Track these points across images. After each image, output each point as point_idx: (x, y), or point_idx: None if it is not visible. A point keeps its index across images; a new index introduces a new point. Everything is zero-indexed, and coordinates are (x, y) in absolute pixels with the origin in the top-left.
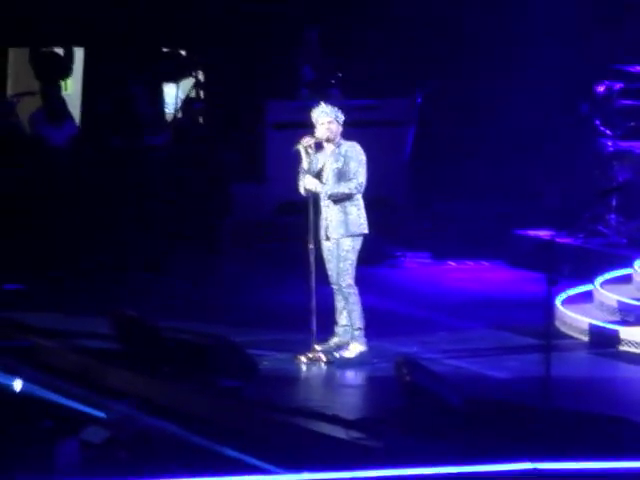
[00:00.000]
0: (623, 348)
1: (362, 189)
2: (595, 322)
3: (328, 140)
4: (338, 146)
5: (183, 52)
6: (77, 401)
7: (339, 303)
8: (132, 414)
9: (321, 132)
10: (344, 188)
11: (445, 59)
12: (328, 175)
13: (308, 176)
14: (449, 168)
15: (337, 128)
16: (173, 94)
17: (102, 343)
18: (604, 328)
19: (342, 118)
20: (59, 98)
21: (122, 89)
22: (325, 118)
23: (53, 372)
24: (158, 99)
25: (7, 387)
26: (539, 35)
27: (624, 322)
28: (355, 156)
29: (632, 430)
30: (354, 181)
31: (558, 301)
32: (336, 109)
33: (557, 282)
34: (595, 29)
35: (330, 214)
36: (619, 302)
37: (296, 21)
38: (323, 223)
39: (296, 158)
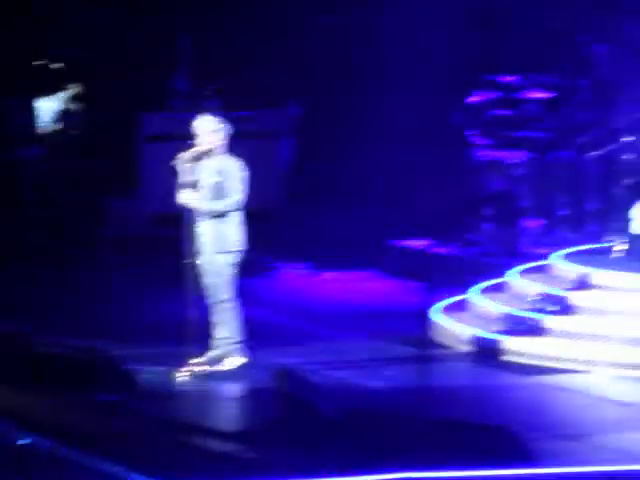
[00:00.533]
0: (501, 358)
1: (239, 206)
2: (472, 331)
3: (208, 153)
4: (219, 160)
5: (58, 65)
6: None
7: (216, 316)
8: (6, 431)
9: (202, 144)
10: (220, 205)
11: (322, 70)
12: (206, 189)
13: (185, 190)
14: (325, 179)
15: (218, 141)
16: (50, 107)
17: None
18: (482, 337)
19: (225, 131)
20: None
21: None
22: (206, 130)
23: None
24: (31, 112)
25: None
26: (413, 45)
27: (502, 331)
28: (234, 172)
29: (508, 439)
30: (231, 198)
31: (434, 310)
32: (219, 122)
33: (432, 291)
34: (467, 39)
35: (206, 229)
36: (494, 311)
37: (170, 33)
38: (199, 238)
39: (172, 171)
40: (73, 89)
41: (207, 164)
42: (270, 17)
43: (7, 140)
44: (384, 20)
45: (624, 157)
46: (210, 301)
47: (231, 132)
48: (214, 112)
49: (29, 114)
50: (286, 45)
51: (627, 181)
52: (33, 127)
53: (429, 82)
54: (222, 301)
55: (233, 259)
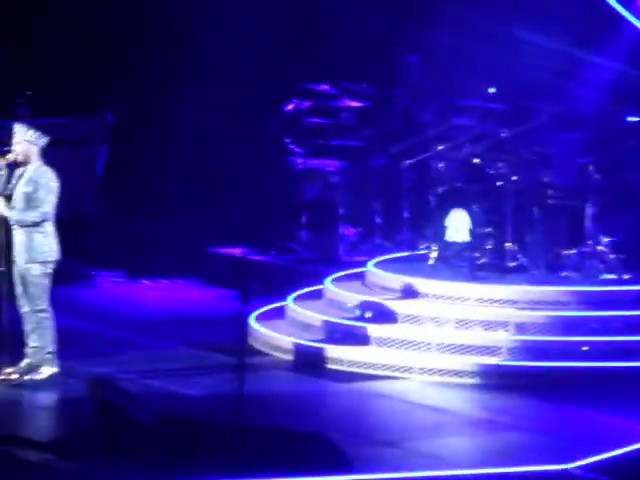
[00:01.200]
0: (320, 365)
1: (48, 218)
2: (293, 339)
3: (20, 162)
4: (32, 170)
5: None
6: None
7: (28, 325)
8: None
9: (14, 152)
10: (28, 216)
11: (138, 76)
12: (18, 198)
13: None
14: (141, 186)
15: (29, 150)
16: None
17: None
18: (302, 345)
19: (38, 140)
20: None
21: None
22: (16, 139)
23: None
24: None
25: None
26: (232, 51)
27: (319, 339)
28: (46, 183)
29: (325, 445)
30: (39, 210)
31: (251, 318)
32: (31, 131)
33: (249, 299)
34: (286, 46)
35: (17, 238)
36: (311, 319)
37: None
38: (14, 246)
39: None
40: None
41: (19, 173)
42: (81, 22)
43: None
44: (200, 22)
45: (437, 165)
46: (23, 310)
47: (45, 141)
48: (26, 119)
49: None
50: (98, 50)
51: (440, 189)
52: None
53: (245, 89)
54: (36, 310)
55: (46, 269)
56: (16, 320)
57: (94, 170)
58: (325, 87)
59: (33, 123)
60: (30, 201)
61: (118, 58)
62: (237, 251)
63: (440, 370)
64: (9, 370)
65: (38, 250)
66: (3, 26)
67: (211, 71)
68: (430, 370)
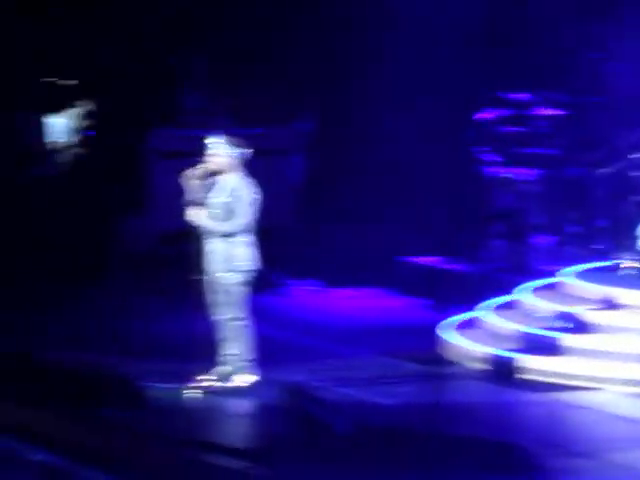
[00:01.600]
0: (514, 375)
1: (246, 229)
2: (486, 349)
3: (218, 172)
4: (230, 180)
5: (71, 82)
6: None
7: (224, 333)
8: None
9: (213, 162)
10: (227, 227)
11: (333, 87)
12: (216, 209)
13: (194, 208)
14: (336, 195)
15: (229, 162)
16: (63, 124)
17: None
18: (495, 355)
19: (236, 152)
20: None
21: (8, 121)
22: (215, 150)
23: None
24: (41, 129)
25: None
26: (426, 62)
27: (514, 349)
28: (245, 195)
29: (520, 455)
30: (237, 220)
31: (445, 327)
32: (230, 142)
33: (442, 308)
34: (478, 55)
35: (215, 248)
36: (506, 329)
37: (184, 50)
38: (209, 256)
39: (182, 187)
40: (84, 106)
41: (218, 183)
42: (280, 35)
43: (18, 157)
44: (392, 36)
45: (633, 174)
46: (218, 318)
47: (244, 151)
48: (225, 129)
49: (39, 131)
50: (296, 62)
51: (636, 198)
52: (43, 144)
53: (439, 99)
54: (232, 319)
55: (243, 278)
56: (211, 328)
57: (290, 179)
58: (521, 95)
59: (232, 134)
60: (229, 212)
61: (314, 70)
62: (430, 260)
63: (636, 381)
64: (205, 377)
65: (236, 259)
66: (205, 36)
67: (405, 80)
68: (626, 380)
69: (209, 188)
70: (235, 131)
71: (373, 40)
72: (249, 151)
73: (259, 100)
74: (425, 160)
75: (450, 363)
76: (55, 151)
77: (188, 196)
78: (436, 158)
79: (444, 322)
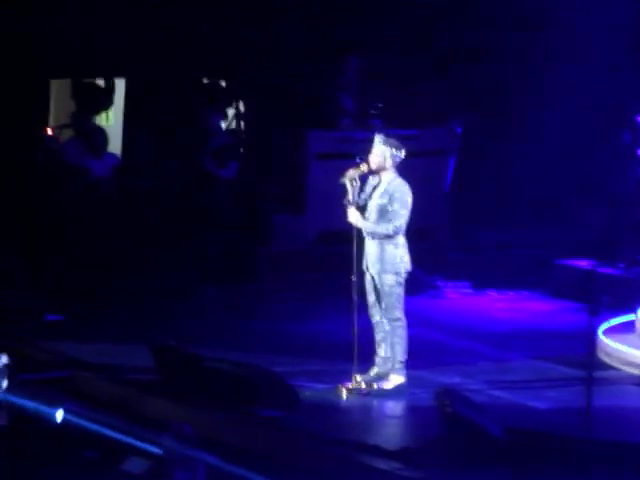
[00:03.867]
0: None
1: (400, 232)
2: (638, 353)
3: (375, 172)
4: (387, 182)
5: (223, 83)
6: (118, 432)
7: (378, 334)
8: (174, 445)
9: (371, 163)
10: (382, 229)
11: (485, 88)
12: (371, 210)
13: (352, 208)
14: (488, 197)
15: (385, 163)
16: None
17: (143, 373)
18: None
19: (397, 154)
20: (97, 129)
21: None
22: (376, 150)
23: (94, 403)
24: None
25: (50, 417)
26: (582, 63)
27: None
28: (400, 197)
29: None
30: (392, 224)
31: (600, 331)
32: (391, 144)
33: (598, 312)
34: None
35: (370, 248)
36: None
37: (337, 50)
38: (365, 255)
39: (337, 188)
40: (240, 107)
41: (373, 183)
42: (430, 36)
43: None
44: (554, 39)
45: None
46: (375, 319)
47: (403, 153)
48: (381, 131)
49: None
50: (448, 63)
51: None
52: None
53: (596, 99)
54: (392, 319)
55: (400, 278)
56: (366, 329)
57: (443, 181)
58: None
59: (388, 135)
60: (384, 214)
61: (465, 71)
62: (585, 263)
63: None
64: (359, 378)
65: (390, 261)
66: (360, 38)
67: (561, 82)
68: None
69: (365, 189)
70: (390, 132)
71: (528, 43)
72: (404, 152)
73: (415, 101)
74: (582, 161)
75: (606, 368)
76: (216, 150)
77: (346, 197)
78: (593, 160)
79: (600, 326)
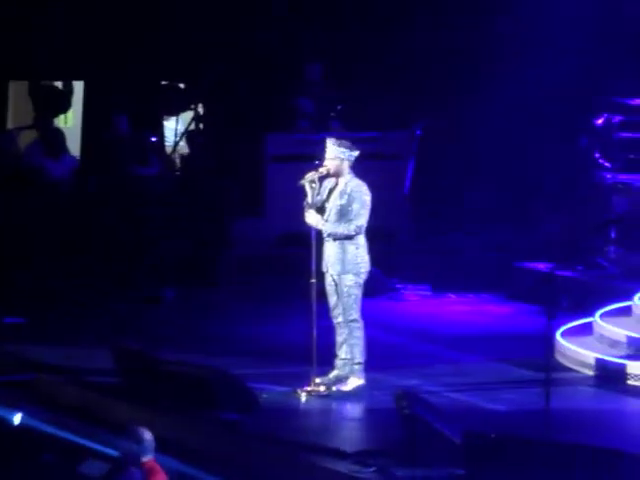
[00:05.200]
0: (627, 382)
1: (361, 231)
2: (599, 356)
3: (333, 175)
4: (345, 183)
5: (182, 85)
6: (77, 434)
7: (340, 336)
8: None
9: (328, 166)
10: (343, 229)
11: (445, 91)
12: (331, 211)
13: (311, 211)
14: (448, 200)
15: (342, 165)
16: (172, 127)
17: (103, 376)
18: (608, 361)
19: (352, 155)
20: (56, 131)
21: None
22: (330, 153)
23: (54, 406)
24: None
25: (8, 420)
26: (539, 66)
27: (628, 356)
28: (359, 197)
29: (631, 463)
30: (353, 223)
31: (558, 334)
32: (345, 146)
33: (556, 315)
34: (595, 60)
35: (329, 250)
36: (623, 335)
37: (297, 54)
38: (324, 257)
39: (295, 191)
40: (198, 109)
41: (333, 186)
42: (390, 39)
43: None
44: (513, 40)
45: None
46: (337, 321)
47: (356, 155)
48: (338, 133)
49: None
50: (412, 64)
51: None
52: (161, 146)
53: (556, 104)
54: (349, 320)
55: (359, 279)
56: (325, 332)
57: (402, 184)
58: (638, 101)
59: (344, 137)
60: (344, 214)
61: (425, 73)
62: (544, 266)
63: None
64: (318, 381)
65: (352, 261)
66: (319, 42)
67: (516, 82)
68: None
69: (324, 191)
70: (349, 135)
71: (487, 43)
72: (357, 152)
73: (373, 104)
74: (539, 164)
75: (563, 369)
76: (168, 153)
77: (304, 199)
78: (551, 162)
79: (558, 329)
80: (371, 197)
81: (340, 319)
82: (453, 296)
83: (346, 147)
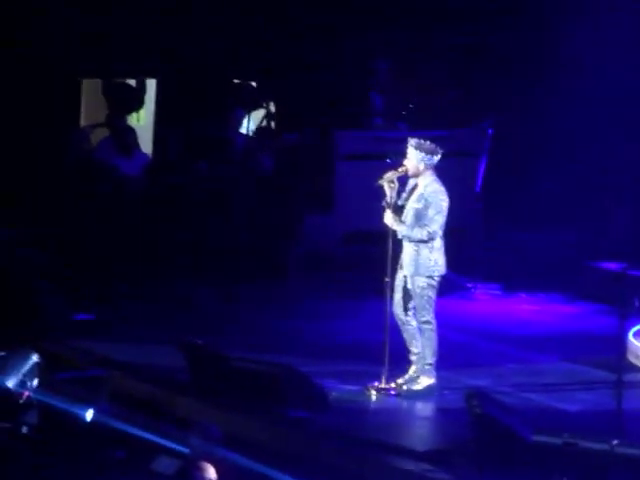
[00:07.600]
0: None
1: (435, 237)
2: None
3: (412, 176)
4: (424, 186)
5: (254, 83)
6: (147, 431)
7: (405, 333)
8: (203, 445)
9: (405, 166)
10: (416, 233)
11: (517, 89)
12: (408, 213)
13: (388, 211)
14: (520, 198)
15: (421, 166)
16: (244, 125)
17: (172, 373)
18: None
19: (432, 159)
20: (128, 129)
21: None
22: (409, 155)
23: (125, 402)
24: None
25: (80, 417)
26: (610, 64)
27: None
28: (436, 202)
29: None
30: (426, 229)
31: (630, 334)
32: (425, 150)
33: (628, 315)
34: None
35: (406, 249)
36: None
37: (367, 52)
38: (402, 255)
39: (365, 188)
40: (267, 107)
41: (411, 186)
42: (465, 38)
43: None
44: (586, 41)
45: None
46: (396, 316)
47: (436, 157)
48: (411, 132)
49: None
50: (484, 62)
51: None
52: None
53: (626, 103)
54: (421, 322)
55: (432, 281)
56: (397, 330)
57: (474, 182)
58: None
59: (425, 136)
60: (419, 218)
61: (496, 72)
62: (616, 265)
63: None
64: (400, 381)
65: (424, 264)
66: (389, 38)
67: (589, 83)
68: None
69: (402, 192)
70: (420, 133)
71: (561, 44)
72: (439, 155)
73: (445, 101)
74: (611, 163)
75: (635, 370)
76: (243, 151)
77: (384, 198)
78: (621, 161)
79: (630, 329)
80: (448, 203)
81: (402, 316)
82: (524, 295)
83: (426, 151)
